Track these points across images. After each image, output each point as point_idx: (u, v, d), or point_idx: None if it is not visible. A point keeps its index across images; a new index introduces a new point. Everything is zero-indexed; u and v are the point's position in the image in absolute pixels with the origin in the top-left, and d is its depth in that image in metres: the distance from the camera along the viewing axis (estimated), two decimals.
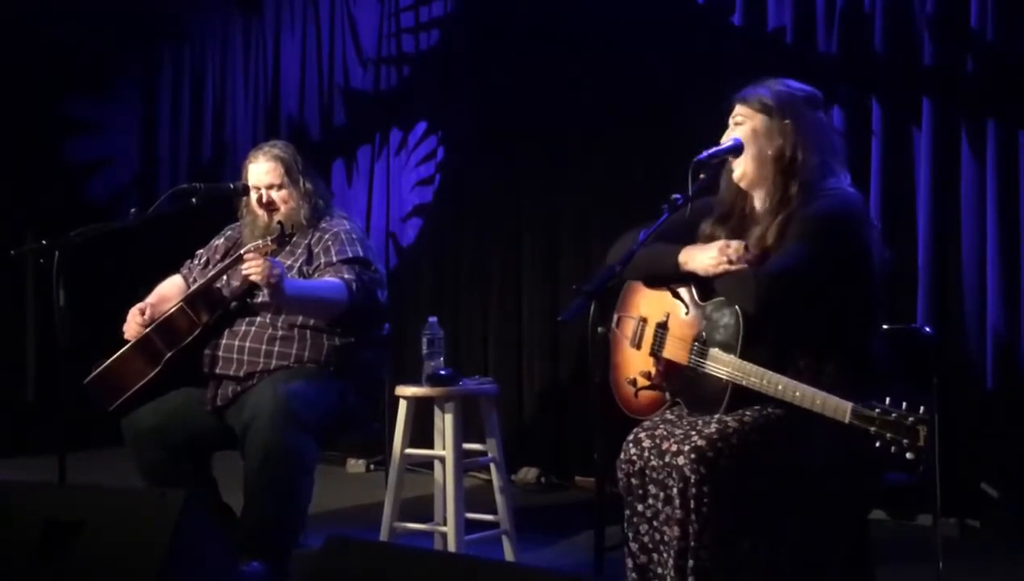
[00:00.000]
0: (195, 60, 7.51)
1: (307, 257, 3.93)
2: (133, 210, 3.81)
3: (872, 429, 2.41)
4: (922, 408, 2.40)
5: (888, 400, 2.43)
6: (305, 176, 4.05)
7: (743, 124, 2.91)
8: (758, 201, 2.94)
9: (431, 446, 4.18)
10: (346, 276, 3.82)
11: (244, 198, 4.07)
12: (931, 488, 3.49)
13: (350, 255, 3.89)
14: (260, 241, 3.78)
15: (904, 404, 2.41)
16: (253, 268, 3.58)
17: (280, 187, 4.00)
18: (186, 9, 7.48)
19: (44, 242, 3.52)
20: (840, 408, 2.49)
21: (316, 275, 3.87)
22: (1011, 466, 4.42)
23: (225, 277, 3.94)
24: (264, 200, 3.99)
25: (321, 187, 4.14)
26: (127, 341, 3.82)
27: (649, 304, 3.06)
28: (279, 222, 3.84)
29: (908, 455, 2.38)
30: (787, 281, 2.72)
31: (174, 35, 7.55)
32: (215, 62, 7.41)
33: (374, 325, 4.04)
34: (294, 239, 3.93)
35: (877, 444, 2.40)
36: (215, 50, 7.41)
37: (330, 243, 3.91)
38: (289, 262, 3.90)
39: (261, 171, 4.02)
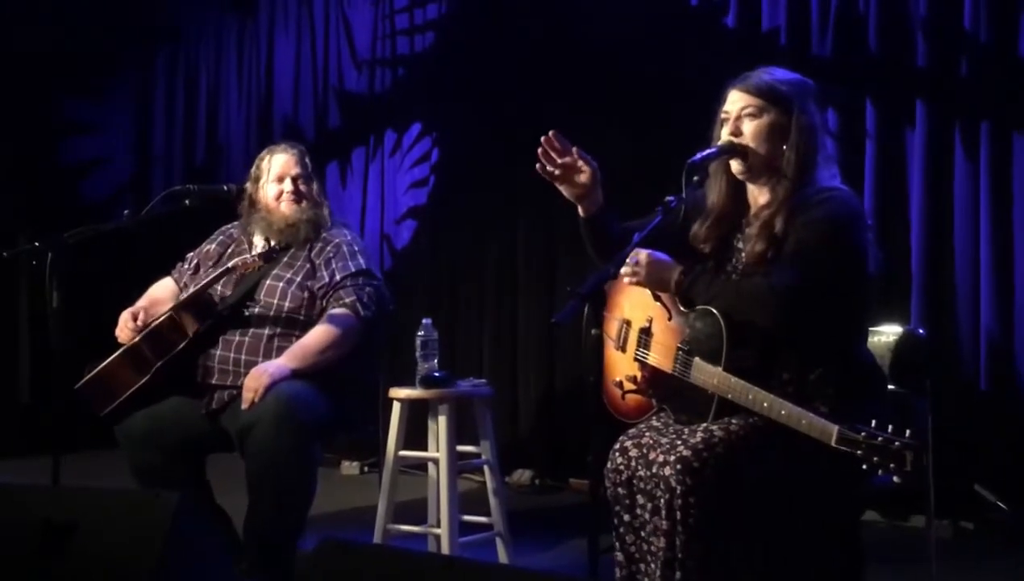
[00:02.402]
0: (189, 61, 7.52)
1: (309, 270, 3.86)
2: (126, 212, 3.80)
3: (858, 453, 2.38)
4: (908, 431, 2.37)
5: (874, 423, 2.39)
6: (316, 179, 4.05)
7: (757, 117, 2.82)
8: (760, 194, 2.89)
9: (425, 448, 4.18)
10: (347, 300, 3.79)
11: (249, 197, 4.00)
12: (925, 489, 3.49)
13: (352, 269, 3.85)
14: (248, 256, 3.74)
15: (891, 427, 2.38)
16: (247, 397, 3.60)
17: (308, 180, 3.98)
18: (180, 10, 7.48)
19: (37, 243, 3.51)
20: (826, 431, 2.45)
21: (320, 293, 3.83)
22: (1005, 468, 4.43)
23: (220, 287, 3.90)
24: (291, 190, 3.92)
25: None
26: (120, 344, 3.81)
27: (632, 306, 3.04)
28: (267, 238, 3.82)
29: (895, 479, 2.35)
30: (808, 294, 2.67)
31: (168, 36, 7.56)
32: (209, 63, 7.42)
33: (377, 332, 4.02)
34: (292, 251, 3.90)
35: (864, 467, 2.37)
36: (209, 51, 7.42)
37: (332, 256, 3.86)
38: (289, 275, 3.85)
39: (291, 161, 3.96)
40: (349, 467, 6.26)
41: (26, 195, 6.98)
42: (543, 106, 5.76)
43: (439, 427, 4.03)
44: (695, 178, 2.80)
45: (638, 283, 2.86)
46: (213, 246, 4.10)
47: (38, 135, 7.24)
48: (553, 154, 2.92)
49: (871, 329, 3.14)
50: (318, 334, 3.75)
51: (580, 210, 3.00)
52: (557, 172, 2.92)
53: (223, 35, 7.37)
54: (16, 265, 5.78)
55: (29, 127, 7.14)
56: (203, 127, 7.45)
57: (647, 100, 5.36)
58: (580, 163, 2.92)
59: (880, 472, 2.35)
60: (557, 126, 3.04)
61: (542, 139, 2.94)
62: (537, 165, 2.95)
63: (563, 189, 2.96)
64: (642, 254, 2.83)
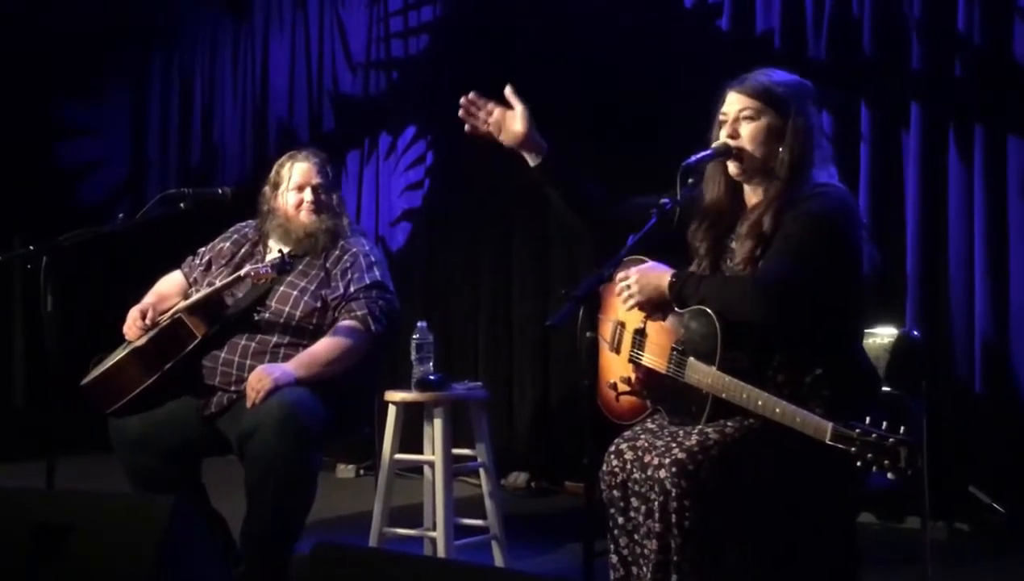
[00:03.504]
0: (184, 64, 7.51)
1: (323, 278, 3.84)
2: (121, 215, 3.79)
3: (852, 449, 2.38)
4: (903, 428, 2.36)
5: (868, 420, 2.39)
6: (336, 188, 4.04)
7: (755, 119, 2.82)
8: (755, 194, 2.89)
9: (421, 451, 4.18)
10: (359, 313, 3.76)
11: (267, 202, 3.98)
12: (920, 491, 3.49)
13: (367, 282, 3.83)
14: (260, 266, 3.71)
15: (884, 424, 2.38)
16: (250, 395, 3.58)
17: (328, 190, 3.95)
18: (175, 14, 7.48)
19: (32, 247, 3.50)
20: (820, 428, 2.45)
21: (333, 304, 3.81)
22: (1000, 469, 4.43)
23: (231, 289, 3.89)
24: (311, 200, 3.89)
25: None
26: (124, 342, 3.79)
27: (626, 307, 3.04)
28: (280, 250, 3.79)
29: (889, 475, 2.35)
30: (792, 287, 2.67)
31: (164, 39, 7.55)
32: (204, 66, 7.42)
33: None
34: (308, 259, 3.88)
35: (858, 464, 2.37)
36: (204, 54, 7.42)
37: (348, 266, 3.84)
38: (303, 283, 3.82)
39: (312, 170, 3.93)
40: (345, 470, 6.26)
41: (21, 198, 6.96)
42: (538, 108, 5.73)
43: (434, 430, 4.03)
44: (690, 180, 2.81)
45: (637, 305, 2.85)
46: (227, 244, 4.06)
47: (34, 137, 7.23)
48: (479, 113, 3.02)
49: (866, 331, 3.14)
50: (327, 345, 3.73)
51: (529, 160, 3.07)
52: (485, 129, 3.05)
53: (218, 38, 7.36)
54: (11, 268, 5.79)
55: (25, 129, 7.12)
56: (198, 130, 7.45)
57: (642, 102, 5.36)
58: (510, 112, 3.04)
59: (874, 469, 2.35)
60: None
61: (462, 101, 3.03)
62: (466, 128, 3.05)
63: (505, 140, 3.06)
64: (631, 274, 2.84)
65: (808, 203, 2.75)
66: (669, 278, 2.80)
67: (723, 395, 2.67)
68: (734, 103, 2.87)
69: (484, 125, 3.05)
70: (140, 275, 4.27)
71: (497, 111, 3.04)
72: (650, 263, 2.86)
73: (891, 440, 2.35)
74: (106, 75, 7.55)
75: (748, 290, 2.70)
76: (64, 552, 2.45)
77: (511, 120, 3.05)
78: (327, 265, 3.87)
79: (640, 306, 2.86)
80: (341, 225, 3.95)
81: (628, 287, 2.84)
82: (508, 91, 3.03)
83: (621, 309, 3.05)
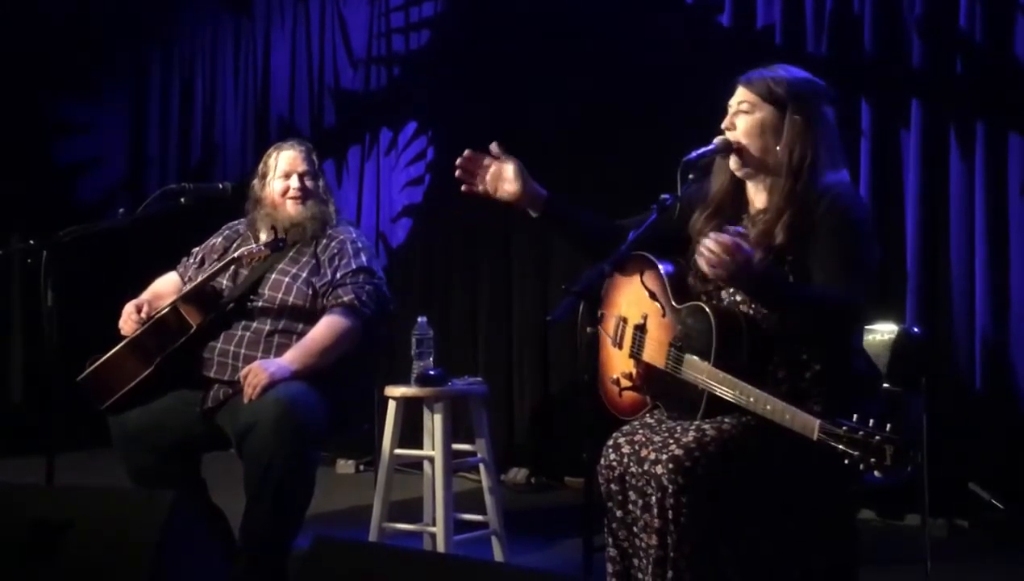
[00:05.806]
0: (185, 61, 7.51)
1: (314, 266, 3.85)
2: (121, 210, 3.78)
3: (840, 447, 2.36)
4: (888, 425, 2.33)
5: (855, 417, 2.37)
6: (322, 175, 4.05)
7: (750, 113, 2.82)
8: (757, 194, 2.88)
9: (421, 447, 4.18)
10: (345, 298, 3.77)
11: (255, 194, 3.99)
12: (919, 488, 3.49)
13: (354, 267, 3.83)
14: (254, 246, 3.72)
15: (871, 421, 2.35)
16: (247, 392, 3.57)
17: (314, 177, 3.97)
18: (176, 10, 7.47)
19: (32, 242, 3.50)
20: (808, 425, 2.44)
21: (322, 291, 3.80)
22: (999, 467, 4.43)
23: (225, 280, 3.89)
24: (298, 187, 3.91)
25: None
26: (121, 338, 3.79)
27: (628, 303, 3.03)
28: (273, 227, 3.81)
29: (876, 473, 2.31)
30: (860, 305, 2.69)
31: (164, 36, 7.55)
32: (205, 63, 7.42)
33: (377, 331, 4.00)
34: (298, 246, 3.88)
35: (846, 461, 2.34)
36: (205, 51, 7.42)
37: (335, 253, 3.85)
38: (294, 270, 3.83)
39: (298, 158, 3.95)
40: (345, 466, 6.25)
41: (21, 195, 6.96)
42: (538, 104, 5.77)
43: (434, 425, 4.03)
44: (691, 176, 2.80)
45: (721, 273, 2.60)
46: (219, 241, 4.08)
47: (33, 135, 7.23)
48: (473, 169, 3.00)
49: (866, 327, 3.14)
50: (319, 333, 3.73)
51: (531, 212, 3.04)
52: (483, 187, 3.01)
53: (219, 34, 7.36)
54: (10, 264, 5.78)
55: (24, 127, 7.12)
56: (199, 126, 7.44)
57: (643, 98, 5.36)
58: (503, 166, 2.99)
59: (861, 466, 2.32)
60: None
61: (458, 163, 3.00)
62: (463, 187, 3.03)
63: (502, 198, 3.02)
64: (722, 242, 2.59)
65: (832, 217, 2.71)
66: (757, 255, 2.67)
67: (717, 391, 2.67)
68: (736, 95, 2.88)
69: (481, 183, 3.02)
70: (140, 271, 4.26)
71: (494, 165, 3.01)
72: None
73: (877, 438, 2.31)
74: (105, 72, 7.54)
75: (844, 313, 2.70)
76: (63, 548, 2.45)
77: (506, 180, 3.00)
78: (317, 252, 3.88)
79: (722, 277, 2.64)
80: (328, 212, 3.96)
81: (712, 253, 2.58)
82: (494, 147, 3.01)
83: (623, 305, 3.05)
